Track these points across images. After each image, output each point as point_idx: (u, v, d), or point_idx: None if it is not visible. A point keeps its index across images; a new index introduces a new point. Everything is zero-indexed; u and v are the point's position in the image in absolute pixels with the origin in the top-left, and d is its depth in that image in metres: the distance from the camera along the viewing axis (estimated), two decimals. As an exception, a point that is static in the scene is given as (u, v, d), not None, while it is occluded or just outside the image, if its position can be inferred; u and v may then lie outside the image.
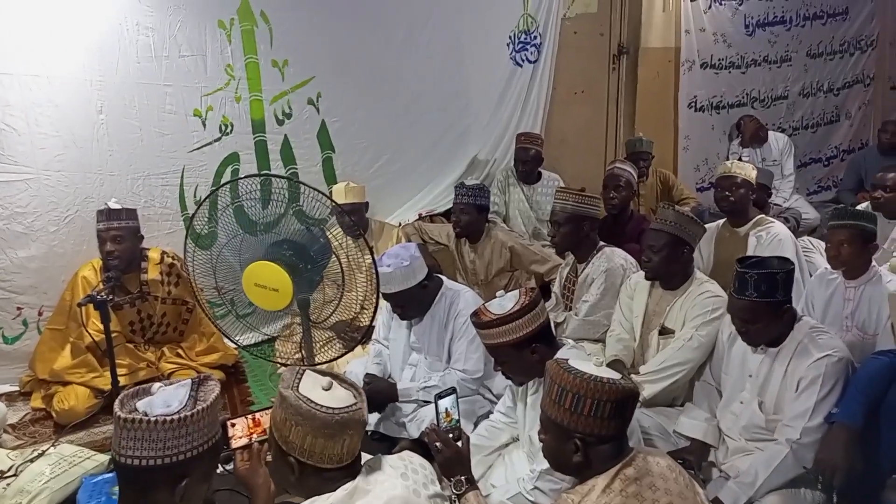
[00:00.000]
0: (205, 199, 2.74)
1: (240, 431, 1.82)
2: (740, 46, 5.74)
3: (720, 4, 5.56)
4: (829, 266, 2.97)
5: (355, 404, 1.55)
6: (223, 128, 3.81)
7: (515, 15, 4.84)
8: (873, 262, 2.93)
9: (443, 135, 4.71)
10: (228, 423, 1.81)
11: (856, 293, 2.88)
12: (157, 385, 1.51)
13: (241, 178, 2.64)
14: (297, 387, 1.56)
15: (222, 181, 3.74)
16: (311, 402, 1.52)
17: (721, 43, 5.65)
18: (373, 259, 2.56)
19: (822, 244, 3.29)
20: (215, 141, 3.79)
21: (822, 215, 5.11)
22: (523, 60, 4.93)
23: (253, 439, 1.81)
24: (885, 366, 2.15)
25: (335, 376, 1.66)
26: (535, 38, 4.93)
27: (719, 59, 5.67)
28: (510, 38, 4.84)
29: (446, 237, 4.15)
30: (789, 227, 3.71)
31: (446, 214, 4.54)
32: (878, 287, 2.83)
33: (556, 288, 3.58)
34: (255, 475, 1.76)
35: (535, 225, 4.64)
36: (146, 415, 1.42)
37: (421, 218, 4.60)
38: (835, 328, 2.91)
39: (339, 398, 1.55)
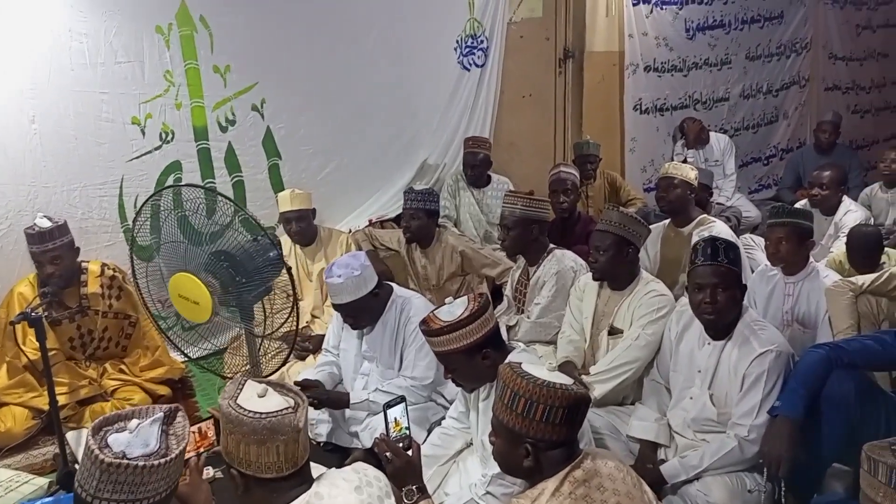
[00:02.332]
0: (141, 207, 2.65)
1: (189, 445, 1.78)
2: (682, 50, 5.88)
3: (661, 9, 5.69)
4: (769, 263, 3.06)
5: (286, 409, 1.52)
6: (163, 136, 3.70)
7: (462, 19, 4.85)
8: (811, 258, 3.03)
9: (391, 140, 4.68)
10: None
11: (795, 288, 2.97)
12: (134, 422, 1.47)
13: (164, 190, 2.55)
14: (237, 397, 1.54)
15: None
16: (241, 407, 1.50)
17: (663, 47, 5.77)
18: (291, 279, 2.52)
19: (763, 241, 3.39)
20: (155, 149, 3.68)
21: (763, 213, 5.27)
22: (471, 65, 4.95)
23: (200, 451, 1.78)
24: (822, 358, 2.21)
25: (279, 385, 1.63)
26: (482, 42, 4.96)
27: (662, 63, 5.79)
28: (457, 42, 4.85)
29: (397, 243, 4.12)
30: (730, 226, 3.81)
31: (396, 220, 4.52)
32: (816, 282, 2.93)
33: (507, 291, 3.59)
34: (196, 491, 1.73)
35: (486, 228, 4.66)
36: (126, 457, 1.40)
37: (371, 224, 4.57)
38: (775, 323, 2.99)
39: (270, 404, 1.52)
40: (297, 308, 2.54)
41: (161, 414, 1.50)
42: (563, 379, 1.62)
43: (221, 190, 3.92)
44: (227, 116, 3.91)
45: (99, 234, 3.60)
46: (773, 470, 2.13)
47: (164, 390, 3.39)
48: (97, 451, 1.39)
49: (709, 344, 2.41)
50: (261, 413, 1.49)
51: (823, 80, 6.86)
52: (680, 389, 2.52)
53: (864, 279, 2.81)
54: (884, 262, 3.32)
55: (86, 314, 3.30)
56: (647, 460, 2.45)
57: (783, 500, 2.14)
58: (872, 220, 4.27)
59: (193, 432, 1.83)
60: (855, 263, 3.30)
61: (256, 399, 1.53)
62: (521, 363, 1.68)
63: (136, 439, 1.43)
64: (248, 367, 2.77)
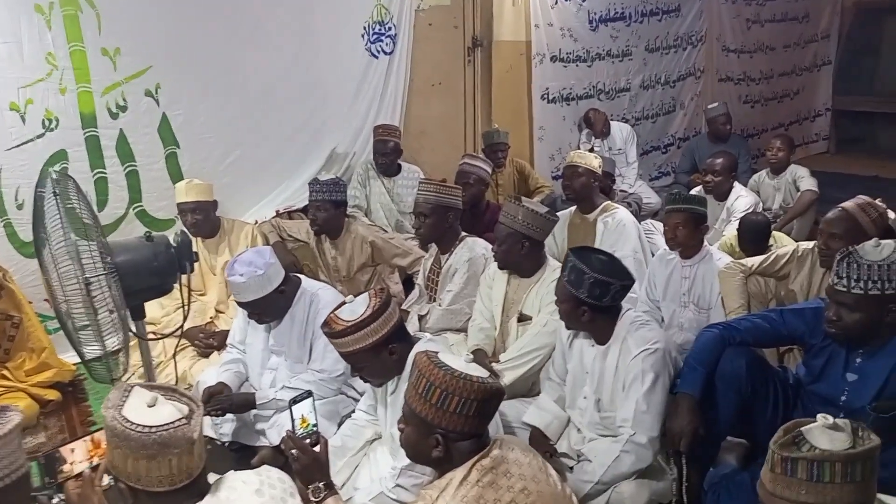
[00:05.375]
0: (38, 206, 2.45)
1: (80, 456, 1.68)
2: (585, 41, 6.01)
3: (566, 0, 5.79)
4: (667, 247, 3.19)
5: (179, 420, 1.41)
6: (46, 123, 3.44)
7: (369, 5, 4.75)
8: (705, 242, 3.18)
9: (299, 128, 4.55)
10: (66, 447, 1.68)
11: (691, 271, 3.11)
12: None
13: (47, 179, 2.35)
14: (122, 406, 1.41)
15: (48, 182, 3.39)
16: (127, 421, 1.38)
17: (568, 37, 5.87)
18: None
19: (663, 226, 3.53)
20: (38, 137, 3.42)
21: (662, 199, 5.49)
22: (379, 52, 4.87)
23: (94, 462, 1.68)
24: (716, 337, 2.31)
25: (171, 390, 1.52)
26: (390, 29, 4.89)
27: (567, 53, 5.89)
28: (364, 28, 4.76)
29: (305, 234, 4.02)
30: (632, 212, 3.94)
31: (305, 210, 4.40)
32: (710, 264, 3.08)
33: (419, 280, 3.58)
34: (86, 502, 1.61)
35: (397, 217, 4.62)
36: None
37: (279, 215, 4.44)
38: (675, 304, 3.14)
39: (161, 415, 1.41)
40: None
41: None
42: (479, 371, 1.62)
43: (113, 180, 3.72)
44: (118, 102, 3.67)
45: (-25, 229, 3.33)
46: (676, 445, 2.20)
47: (53, 395, 3.19)
48: None
49: (593, 346, 2.38)
50: (150, 427, 1.38)
51: (717, 71, 7.18)
52: (574, 388, 2.48)
53: (753, 261, 2.98)
54: (771, 245, 3.54)
55: (-38, 316, 3.05)
56: (540, 445, 2.39)
57: (684, 473, 2.23)
58: (761, 204, 4.54)
59: (86, 441, 1.72)
60: (745, 249, 3.49)
61: (145, 410, 1.40)
62: (437, 352, 1.66)
63: None
64: (142, 369, 2.63)
